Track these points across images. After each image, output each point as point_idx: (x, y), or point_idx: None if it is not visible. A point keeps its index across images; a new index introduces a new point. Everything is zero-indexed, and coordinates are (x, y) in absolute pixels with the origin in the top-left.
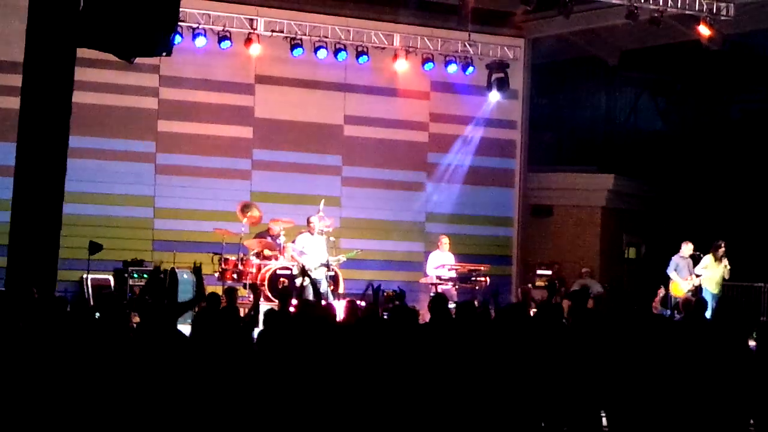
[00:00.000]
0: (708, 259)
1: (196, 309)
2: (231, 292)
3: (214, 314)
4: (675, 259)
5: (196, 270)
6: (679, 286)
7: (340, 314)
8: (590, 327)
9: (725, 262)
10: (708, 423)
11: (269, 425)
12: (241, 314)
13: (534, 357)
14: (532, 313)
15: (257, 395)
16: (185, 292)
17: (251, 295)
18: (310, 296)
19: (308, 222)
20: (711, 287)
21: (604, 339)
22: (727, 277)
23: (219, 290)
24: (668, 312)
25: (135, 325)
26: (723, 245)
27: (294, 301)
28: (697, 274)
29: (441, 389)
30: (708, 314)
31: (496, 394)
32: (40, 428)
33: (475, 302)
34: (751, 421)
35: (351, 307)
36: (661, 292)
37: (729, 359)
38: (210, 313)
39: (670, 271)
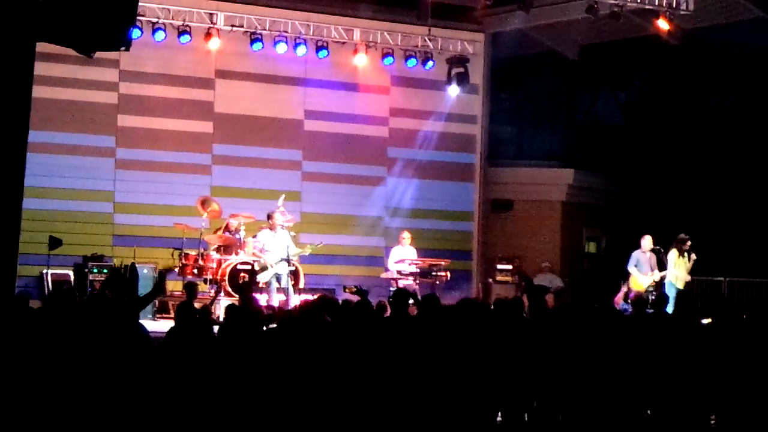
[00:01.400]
0: (673, 254)
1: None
2: (191, 288)
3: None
4: (635, 254)
5: (160, 275)
6: (639, 281)
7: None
8: (548, 322)
9: (693, 256)
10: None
11: (232, 417)
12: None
13: (494, 350)
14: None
15: (219, 388)
16: (145, 287)
17: (212, 290)
18: (273, 292)
19: (269, 217)
20: (676, 282)
21: (561, 334)
22: (689, 270)
23: (179, 285)
24: (629, 308)
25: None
26: (688, 239)
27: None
28: (664, 271)
29: (405, 382)
30: (670, 309)
31: (456, 385)
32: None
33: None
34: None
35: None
36: (624, 288)
37: (684, 353)
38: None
39: (630, 267)
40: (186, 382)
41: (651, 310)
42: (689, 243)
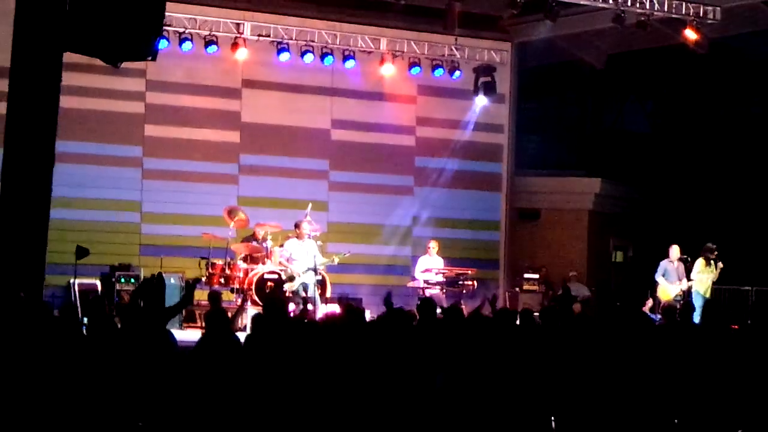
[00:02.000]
0: (699, 264)
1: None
2: (215, 297)
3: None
4: (663, 263)
5: (188, 285)
6: (667, 290)
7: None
8: (576, 331)
9: (720, 264)
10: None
11: (258, 427)
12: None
13: (523, 360)
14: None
15: (245, 398)
16: (172, 296)
17: (239, 300)
18: (300, 302)
19: (296, 227)
20: (702, 290)
21: (590, 343)
22: (715, 279)
23: (206, 295)
24: (657, 317)
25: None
26: (715, 249)
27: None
28: (690, 280)
29: (429, 390)
30: (696, 319)
31: (484, 394)
32: (27, 428)
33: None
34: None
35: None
36: (649, 302)
37: (713, 363)
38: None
39: (658, 276)
40: (215, 391)
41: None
42: (716, 252)
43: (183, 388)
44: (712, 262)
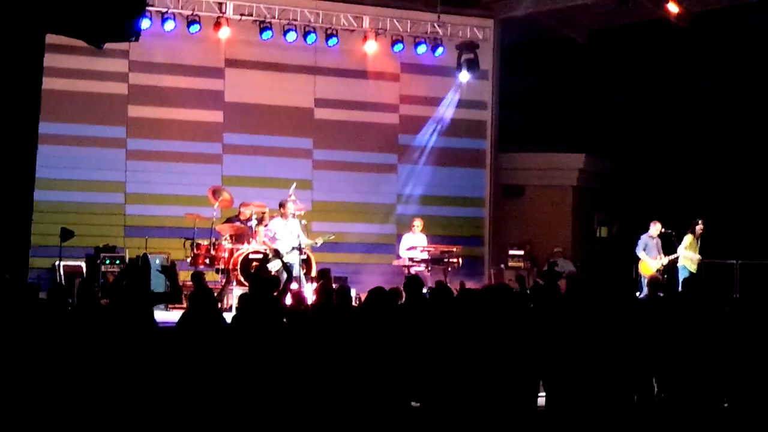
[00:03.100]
0: (688, 238)
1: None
2: (197, 277)
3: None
4: (644, 238)
5: (165, 268)
6: (648, 265)
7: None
8: (562, 306)
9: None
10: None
11: (246, 409)
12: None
13: (506, 336)
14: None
15: (232, 379)
16: (158, 277)
17: (224, 280)
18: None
19: (281, 206)
20: (689, 265)
21: (575, 318)
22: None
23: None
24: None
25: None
26: (701, 223)
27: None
28: (675, 254)
29: (419, 368)
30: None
31: (474, 372)
32: (15, 411)
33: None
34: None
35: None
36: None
37: (696, 336)
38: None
39: (639, 251)
40: (199, 371)
41: (662, 294)
42: (702, 228)
43: (167, 368)
44: (699, 238)
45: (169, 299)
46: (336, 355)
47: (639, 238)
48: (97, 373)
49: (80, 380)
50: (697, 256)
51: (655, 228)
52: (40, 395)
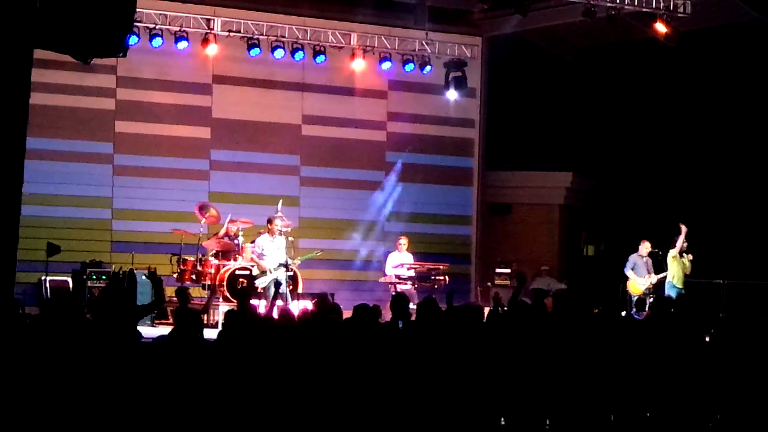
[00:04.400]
0: (670, 256)
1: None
2: (182, 293)
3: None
4: (633, 257)
5: (152, 275)
6: (637, 284)
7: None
8: (548, 325)
9: (688, 257)
10: (667, 419)
11: (230, 424)
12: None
13: (494, 354)
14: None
15: (218, 395)
16: (144, 293)
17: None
18: (271, 298)
19: (269, 222)
20: (675, 281)
21: (561, 337)
22: (688, 272)
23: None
24: (633, 311)
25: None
26: (683, 239)
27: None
28: (663, 272)
29: (404, 386)
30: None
31: (457, 390)
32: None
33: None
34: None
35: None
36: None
37: (686, 355)
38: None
39: (628, 270)
40: (184, 388)
41: (648, 312)
42: (685, 244)
43: (151, 384)
44: (683, 254)
45: (153, 307)
46: (319, 371)
47: (627, 258)
48: (80, 388)
49: (64, 394)
50: (683, 276)
51: (644, 247)
52: (23, 410)
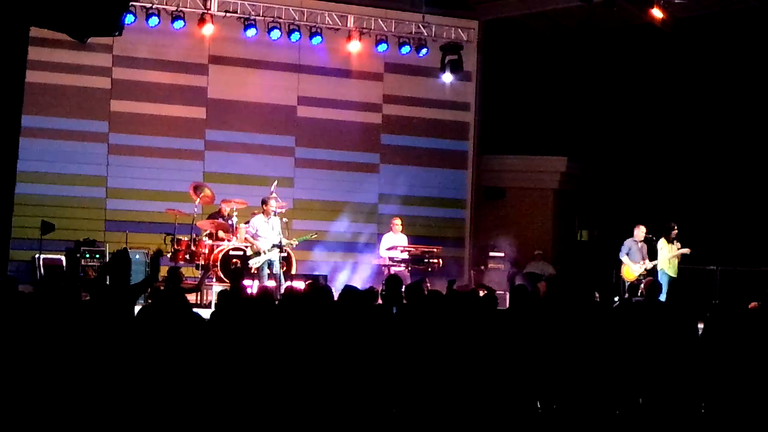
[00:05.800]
0: (662, 242)
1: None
2: (173, 273)
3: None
4: (627, 242)
5: (154, 258)
6: (631, 269)
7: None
8: (540, 311)
9: (677, 244)
10: (658, 406)
11: (224, 403)
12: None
13: (484, 340)
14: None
15: (211, 374)
16: (137, 272)
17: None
18: (264, 278)
19: (264, 203)
20: (667, 269)
21: (553, 322)
22: (678, 257)
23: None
24: (626, 296)
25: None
26: (675, 227)
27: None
28: (655, 259)
29: (394, 367)
30: (663, 297)
31: (450, 373)
32: None
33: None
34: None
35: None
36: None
37: (678, 341)
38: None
39: (622, 255)
40: (179, 368)
41: (641, 299)
42: (675, 231)
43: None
44: (673, 240)
45: (147, 284)
46: (310, 352)
47: (623, 243)
48: (77, 367)
49: (61, 375)
50: (684, 251)
51: (640, 232)
52: (19, 390)
